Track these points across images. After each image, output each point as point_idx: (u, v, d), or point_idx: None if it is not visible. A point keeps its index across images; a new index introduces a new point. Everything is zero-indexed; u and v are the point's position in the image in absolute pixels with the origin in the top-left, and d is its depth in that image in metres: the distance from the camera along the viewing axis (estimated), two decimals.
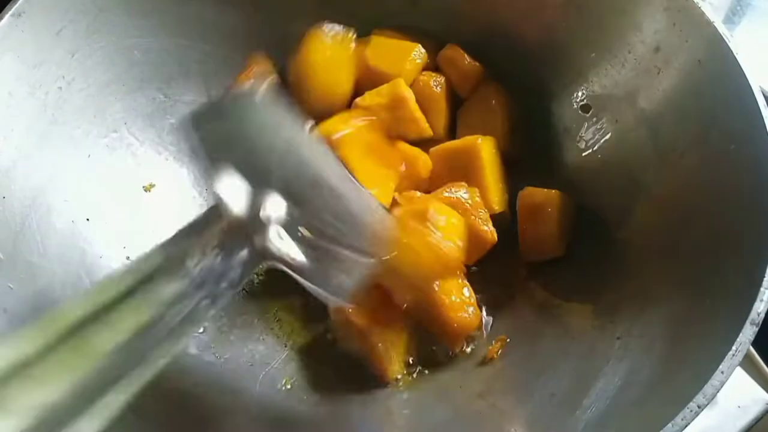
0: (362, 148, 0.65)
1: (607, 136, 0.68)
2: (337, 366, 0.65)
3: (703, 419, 0.65)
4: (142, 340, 0.40)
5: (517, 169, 0.71)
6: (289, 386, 0.63)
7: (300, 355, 0.66)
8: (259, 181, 0.46)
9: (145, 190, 0.69)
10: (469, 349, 0.65)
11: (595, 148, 0.69)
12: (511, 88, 0.73)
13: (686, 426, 0.44)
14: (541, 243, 0.67)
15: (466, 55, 0.72)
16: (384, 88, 0.69)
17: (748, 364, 0.70)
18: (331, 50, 0.70)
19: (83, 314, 0.39)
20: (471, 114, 0.74)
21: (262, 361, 0.65)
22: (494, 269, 0.68)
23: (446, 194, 0.65)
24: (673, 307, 0.55)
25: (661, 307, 0.56)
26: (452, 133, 0.74)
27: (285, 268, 0.47)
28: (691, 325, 0.52)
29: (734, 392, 0.68)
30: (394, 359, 0.63)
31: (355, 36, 0.71)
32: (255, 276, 0.69)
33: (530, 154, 0.73)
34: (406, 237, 0.59)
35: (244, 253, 0.45)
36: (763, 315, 0.47)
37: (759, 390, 0.68)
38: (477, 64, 0.72)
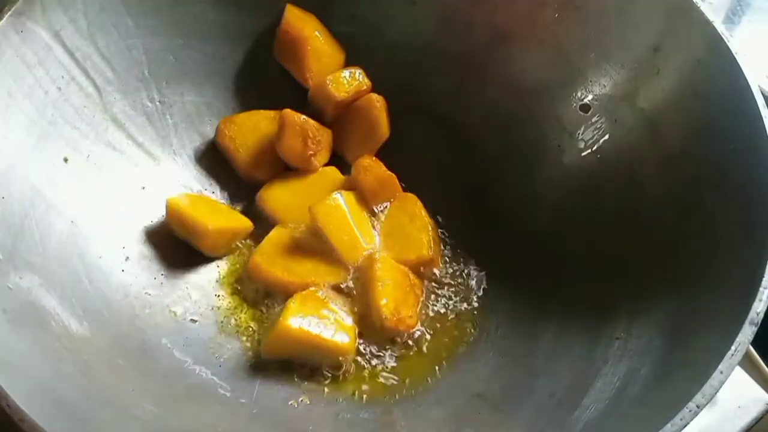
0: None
1: (606, 136, 0.68)
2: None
3: (703, 419, 0.65)
4: None
5: (514, 169, 0.72)
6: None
7: None
8: None
9: (144, 190, 0.69)
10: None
11: (594, 148, 0.69)
12: (509, 88, 0.73)
13: (685, 426, 0.44)
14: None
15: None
16: None
17: (748, 364, 0.70)
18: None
19: None
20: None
21: None
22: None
23: None
24: (672, 307, 0.55)
25: (660, 307, 0.56)
26: None
27: None
28: (690, 326, 0.52)
29: (734, 392, 0.67)
30: None
31: None
32: None
33: (529, 154, 0.73)
34: None
35: None
36: (762, 315, 0.47)
37: (759, 390, 0.68)
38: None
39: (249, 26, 0.74)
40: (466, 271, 0.71)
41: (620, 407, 0.51)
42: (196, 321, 0.65)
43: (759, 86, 0.55)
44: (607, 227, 0.65)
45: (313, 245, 0.68)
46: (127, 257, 0.65)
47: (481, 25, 0.73)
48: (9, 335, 0.49)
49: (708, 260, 0.54)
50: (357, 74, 0.73)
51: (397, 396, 0.63)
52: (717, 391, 0.44)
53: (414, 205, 0.72)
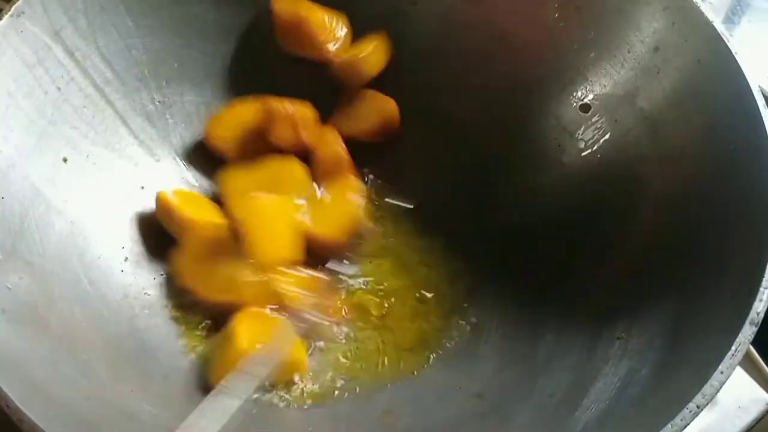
0: None
1: (607, 136, 0.68)
2: None
3: (703, 419, 0.65)
4: None
5: (514, 168, 0.72)
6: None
7: None
8: None
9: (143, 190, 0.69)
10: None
11: (595, 148, 0.68)
12: (509, 87, 0.73)
13: (686, 426, 0.43)
14: None
15: None
16: None
17: (748, 364, 0.70)
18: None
19: None
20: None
21: None
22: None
23: None
24: (672, 307, 0.55)
25: (661, 307, 0.56)
26: None
27: None
28: (691, 325, 0.52)
29: (734, 392, 0.67)
30: None
31: None
32: None
33: (529, 154, 0.73)
34: None
35: None
36: (762, 315, 0.47)
37: (759, 390, 0.68)
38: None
39: (249, 26, 0.74)
40: (465, 271, 0.71)
41: (621, 407, 0.51)
42: None
43: (759, 86, 0.55)
44: (607, 226, 0.65)
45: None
46: (127, 257, 0.65)
47: (481, 25, 0.73)
48: (8, 335, 0.49)
49: (708, 260, 0.54)
50: (382, 46, 0.73)
51: (397, 396, 0.63)
52: (717, 391, 0.44)
53: (346, 188, 0.69)
